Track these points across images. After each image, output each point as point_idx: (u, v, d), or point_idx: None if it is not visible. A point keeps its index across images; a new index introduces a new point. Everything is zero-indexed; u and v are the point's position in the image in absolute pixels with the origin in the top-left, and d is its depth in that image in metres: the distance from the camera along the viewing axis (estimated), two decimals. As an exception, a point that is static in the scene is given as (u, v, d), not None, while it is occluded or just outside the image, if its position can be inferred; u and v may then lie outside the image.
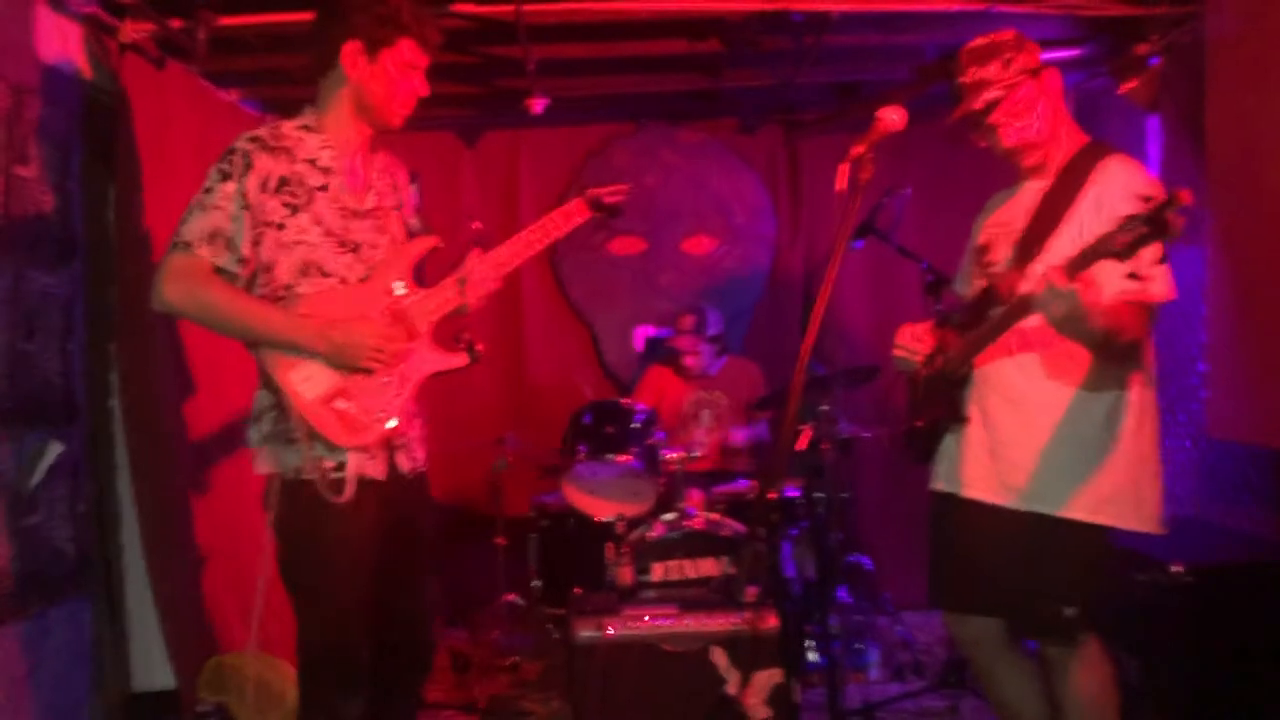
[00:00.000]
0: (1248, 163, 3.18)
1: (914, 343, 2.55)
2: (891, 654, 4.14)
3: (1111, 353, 2.32)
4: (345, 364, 2.28)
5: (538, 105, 4.09)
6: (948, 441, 2.55)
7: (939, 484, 2.58)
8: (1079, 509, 2.34)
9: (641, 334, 5.20)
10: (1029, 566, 2.38)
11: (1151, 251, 1.90)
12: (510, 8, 3.31)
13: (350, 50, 2.30)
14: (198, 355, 3.49)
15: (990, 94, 2.37)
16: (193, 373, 3.47)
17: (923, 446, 2.61)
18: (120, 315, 3.17)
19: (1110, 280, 2.18)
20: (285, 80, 3.93)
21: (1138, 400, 2.38)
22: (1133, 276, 1.95)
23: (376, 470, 2.35)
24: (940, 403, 2.53)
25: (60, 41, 3.03)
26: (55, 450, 2.91)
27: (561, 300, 5.19)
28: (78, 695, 3.01)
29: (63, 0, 3.02)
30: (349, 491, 2.28)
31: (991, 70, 2.38)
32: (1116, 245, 1.92)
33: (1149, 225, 1.87)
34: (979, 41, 2.43)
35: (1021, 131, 2.41)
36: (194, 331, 3.41)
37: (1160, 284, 2.23)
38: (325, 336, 2.25)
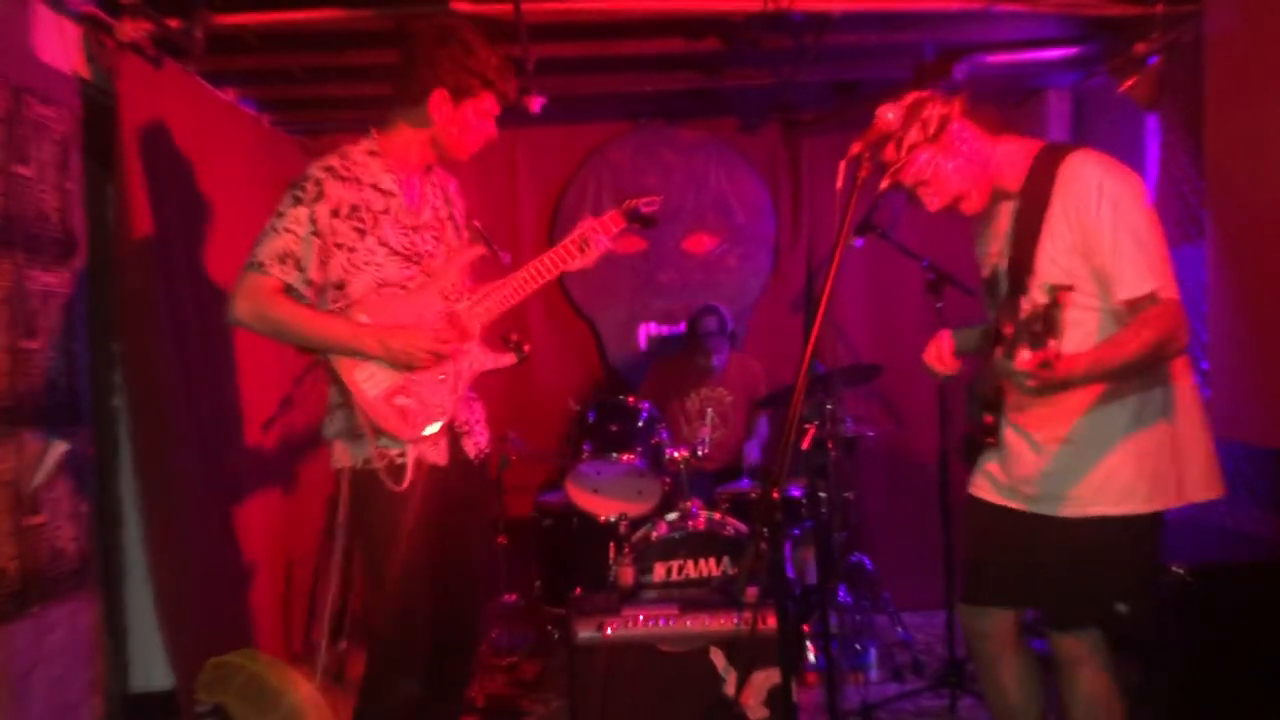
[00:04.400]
0: (1247, 161, 3.17)
1: (938, 363, 2.49)
2: (890, 654, 4.14)
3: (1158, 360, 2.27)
4: (401, 366, 2.48)
5: (535, 104, 4.09)
6: (988, 454, 2.53)
7: (981, 492, 2.54)
8: (1136, 501, 2.32)
9: (645, 332, 5.20)
10: (1083, 567, 2.37)
11: (1057, 342, 1.89)
12: (509, 6, 3.30)
13: (437, 98, 2.50)
14: (201, 355, 3.48)
15: (886, 182, 2.36)
16: (197, 373, 3.46)
17: (970, 452, 2.58)
18: (122, 314, 3.16)
19: (1123, 285, 2.19)
20: (283, 79, 3.93)
21: (1179, 387, 2.34)
22: (1045, 366, 1.93)
23: (438, 456, 2.55)
24: (977, 416, 2.49)
25: (59, 40, 3.02)
26: (59, 450, 2.91)
27: (563, 298, 5.19)
28: (76, 695, 3.01)
29: (61, -1, 3.02)
30: (408, 479, 2.46)
31: (889, 153, 2.34)
32: (1027, 340, 1.94)
33: (1042, 324, 1.90)
34: (874, 129, 2.25)
35: (939, 194, 2.38)
36: (197, 332, 3.41)
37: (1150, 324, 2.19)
38: (382, 342, 2.45)
